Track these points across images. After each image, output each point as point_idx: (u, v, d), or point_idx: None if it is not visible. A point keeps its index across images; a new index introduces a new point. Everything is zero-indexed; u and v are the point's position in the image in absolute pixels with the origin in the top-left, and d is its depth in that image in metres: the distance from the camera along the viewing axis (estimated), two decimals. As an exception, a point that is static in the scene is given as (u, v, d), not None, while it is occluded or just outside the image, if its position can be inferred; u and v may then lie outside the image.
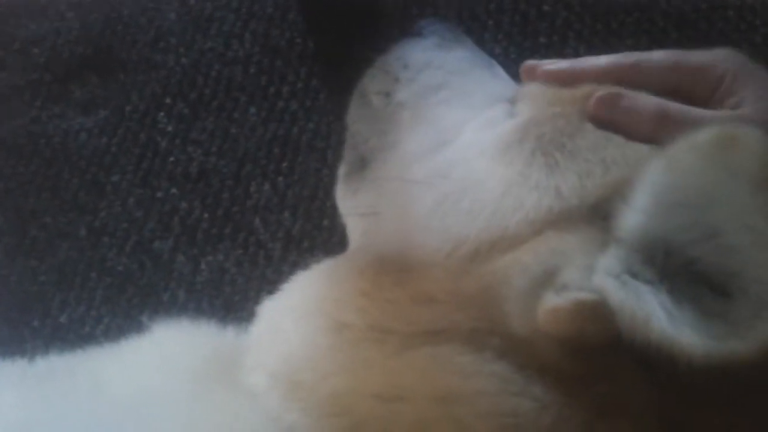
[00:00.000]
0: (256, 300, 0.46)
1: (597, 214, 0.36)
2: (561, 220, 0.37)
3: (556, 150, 0.40)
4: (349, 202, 0.51)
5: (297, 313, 0.41)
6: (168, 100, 0.72)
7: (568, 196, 0.38)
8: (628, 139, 0.41)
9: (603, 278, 0.33)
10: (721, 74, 0.46)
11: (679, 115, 0.43)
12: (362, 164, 0.50)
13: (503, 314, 0.35)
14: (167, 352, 0.45)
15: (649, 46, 0.69)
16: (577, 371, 0.33)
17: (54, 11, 0.78)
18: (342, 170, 0.53)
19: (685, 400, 0.32)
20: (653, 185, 0.32)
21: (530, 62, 0.51)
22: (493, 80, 0.54)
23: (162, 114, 0.71)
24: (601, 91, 0.44)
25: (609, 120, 0.43)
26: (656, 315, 0.30)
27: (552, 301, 0.34)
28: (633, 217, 0.33)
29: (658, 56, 0.48)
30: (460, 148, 0.44)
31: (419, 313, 0.37)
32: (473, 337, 0.35)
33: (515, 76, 0.58)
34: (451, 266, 0.38)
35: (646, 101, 0.44)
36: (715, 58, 0.47)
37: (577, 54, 0.69)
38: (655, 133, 0.40)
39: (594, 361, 0.33)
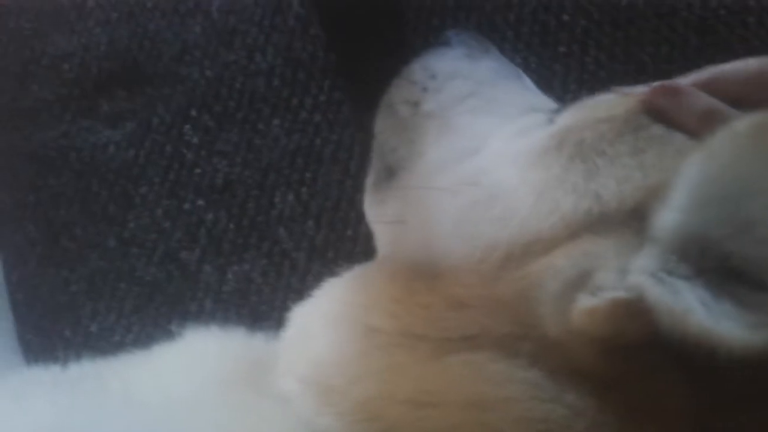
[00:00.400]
0: (282, 309, 0.47)
1: (634, 218, 0.36)
2: (597, 223, 0.37)
3: (597, 155, 0.40)
4: (377, 211, 0.51)
5: (327, 319, 0.42)
6: (193, 113, 0.73)
7: (607, 200, 0.38)
8: (676, 130, 0.41)
9: (639, 276, 0.33)
10: None
11: (726, 113, 0.43)
12: (389, 174, 0.51)
13: (536, 318, 0.35)
14: (197, 358, 0.45)
15: (669, 54, 0.69)
16: (612, 373, 0.33)
17: (82, 27, 0.80)
18: (369, 180, 0.54)
19: (721, 402, 0.32)
20: (690, 179, 0.32)
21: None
22: (523, 90, 0.54)
23: (188, 126, 0.73)
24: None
25: (660, 108, 0.42)
26: (694, 309, 0.30)
27: (587, 301, 0.34)
28: (669, 215, 0.33)
29: (735, 67, 0.46)
30: (489, 156, 0.45)
31: (451, 319, 0.37)
32: (505, 343, 0.35)
33: (537, 87, 0.59)
34: (483, 271, 0.38)
35: (700, 97, 0.43)
36: None
37: (597, 62, 0.69)
38: (700, 128, 0.40)
39: (630, 362, 0.33)
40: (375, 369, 0.37)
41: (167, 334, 0.51)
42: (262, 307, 0.63)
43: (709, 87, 0.45)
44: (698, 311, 0.30)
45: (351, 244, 0.63)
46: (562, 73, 0.68)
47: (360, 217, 0.56)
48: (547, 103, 0.52)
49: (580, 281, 0.35)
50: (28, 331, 0.64)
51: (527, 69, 0.69)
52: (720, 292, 0.31)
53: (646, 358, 0.33)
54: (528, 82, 0.56)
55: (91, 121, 0.75)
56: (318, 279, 0.48)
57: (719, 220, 0.31)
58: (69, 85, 0.77)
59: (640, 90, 0.45)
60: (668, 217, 0.33)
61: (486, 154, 0.45)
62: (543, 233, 0.38)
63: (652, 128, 0.41)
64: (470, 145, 0.46)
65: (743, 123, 0.31)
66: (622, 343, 0.33)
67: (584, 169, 0.40)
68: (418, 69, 0.55)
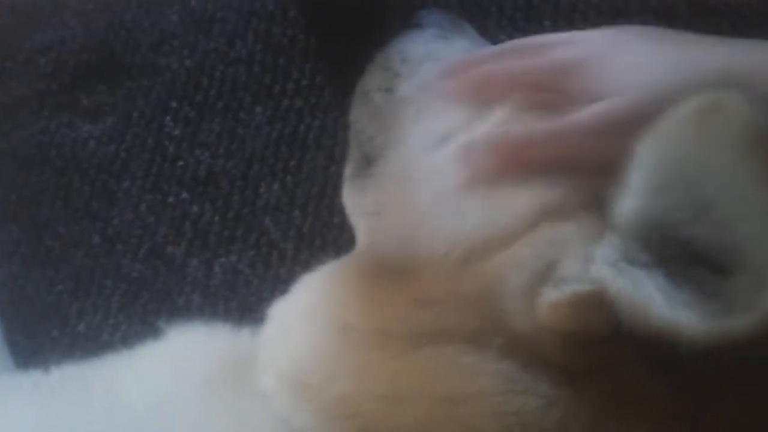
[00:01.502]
0: (271, 300, 0.47)
1: (595, 203, 0.36)
2: (556, 211, 0.37)
3: None
4: (355, 202, 0.51)
5: (304, 315, 0.42)
6: (174, 104, 0.72)
7: (562, 187, 0.37)
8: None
9: (600, 268, 0.32)
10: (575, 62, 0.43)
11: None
12: (367, 163, 0.50)
13: (504, 312, 0.35)
14: (181, 356, 0.45)
15: (657, 23, 0.68)
16: (581, 365, 0.33)
17: (58, 20, 0.78)
18: (348, 170, 0.53)
19: (698, 392, 0.32)
20: (643, 164, 0.31)
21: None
22: None
23: (168, 118, 0.71)
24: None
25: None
26: (654, 300, 0.30)
27: (551, 295, 0.34)
28: (627, 200, 0.32)
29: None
30: (456, 143, 0.44)
31: (419, 315, 0.37)
32: (475, 337, 0.35)
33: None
34: (448, 267, 0.38)
35: (479, 69, 0.45)
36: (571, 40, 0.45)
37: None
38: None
39: (597, 355, 0.33)
40: (350, 366, 0.37)
41: (155, 331, 0.51)
42: (251, 299, 0.62)
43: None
44: (658, 301, 0.30)
45: (338, 232, 0.63)
46: (548, 49, 0.67)
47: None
48: None
49: (545, 272, 0.35)
50: (15, 332, 0.63)
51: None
52: (681, 280, 0.30)
53: (614, 351, 0.32)
54: None
55: (70, 116, 0.74)
56: (306, 269, 0.48)
57: (676, 204, 0.31)
58: (46, 80, 0.76)
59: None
60: (625, 203, 0.32)
61: (454, 144, 0.44)
62: (501, 226, 0.37)
63: None
64: (443, 130, 0.45)
65: (691, 103, 0.31)
66: (588, 335, 0.32)
67: None
68: (390, 54, 0.54)
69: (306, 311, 0.42)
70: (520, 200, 0.38)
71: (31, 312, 0.65)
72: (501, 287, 0.35)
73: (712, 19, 0.66)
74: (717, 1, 0.67)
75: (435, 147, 0.44)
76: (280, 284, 0.61)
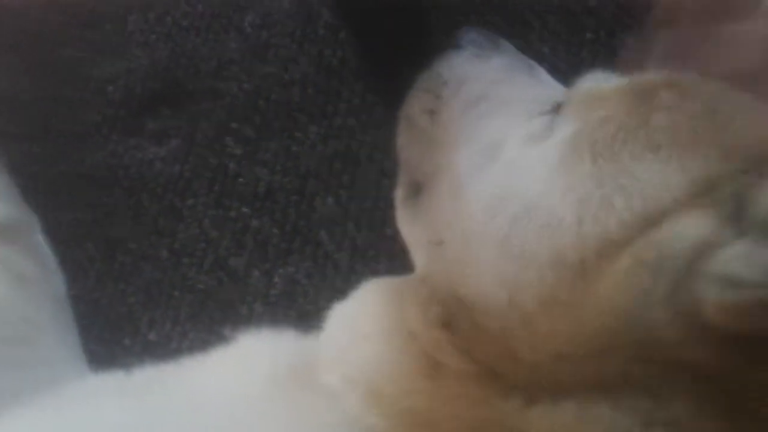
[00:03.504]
0: (328, 309, 0.48)
1: (710, 195, 0.35)
2: (664, 211, 0.35)
3: (619, 150, 0.38)
4: (409, 229, 0.50)
5: (376, 325, 0.42)
6: (234, 125, 0.76)
7: (658, 186, 0.36)
8: None
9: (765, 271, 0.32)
10: None
11: None
12: (417, 189, 0.49)
13: (647, 322, 0.33)
14: (251, 359, 0.47)
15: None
16: (734, 365, 0.33)
17: (124, 51, 0.83)
18: (398, 194, 0.52)
19: None
20: None
21: None
22: (535, 84, 0.52)
23: (229, 138, 0.75)
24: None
25: None
26: None
27: (723, 296, 0.32)
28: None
29: None
30: (507, 165, 0.43)
31: (533, 365, 0.35)
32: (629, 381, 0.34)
33: (565, 74, 0.59)
34: (555, 289, 0.36)
35: None
36: None
37: (625, 47, 0.69)
38: None
39: (748, 353, 0.32)
40: (431, 391, 0.37)
41: (221, 339, 0.53)
42: (308, 308, 0.65)
43: None
44: None
45: (391, 243, 0.64)
46: (590, 60, 0.69)
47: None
48: (560, 94, 0.51)
49: (692, 272, 0.33)
50: (91, 342, 0.67)
51: (556, 58, 0.70)
52: None
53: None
54: (541, 73, 0.54)
55: (137, 140, 0.78)
56: (360, 279, 0.49)
57: None
58: (115, 107, 0.81)
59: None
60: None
61: (504, 163, 0.43)
62: (611, 233, 0.36)
63: (659, 120, 0.39)
64: (488, 153, 0.44)
65: None
66: (754, 339, 0.32)
67: (614, 162, 0.38)
68: (431, 76, 0.54)
69: (377, 321, 0.42)
70: (621, 205, 0.36)
71: (105, 323, 0.69)
72: (635, 294, 0.33)
73: None
74: None
75: (483, 170, 0.43)
76: (336, 294, 0.64)
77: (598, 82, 0.45)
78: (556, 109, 0.45)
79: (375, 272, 0.51)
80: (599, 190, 0.37)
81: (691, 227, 0.34)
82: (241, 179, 0.72)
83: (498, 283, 0.38)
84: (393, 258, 0.63)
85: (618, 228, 0.36)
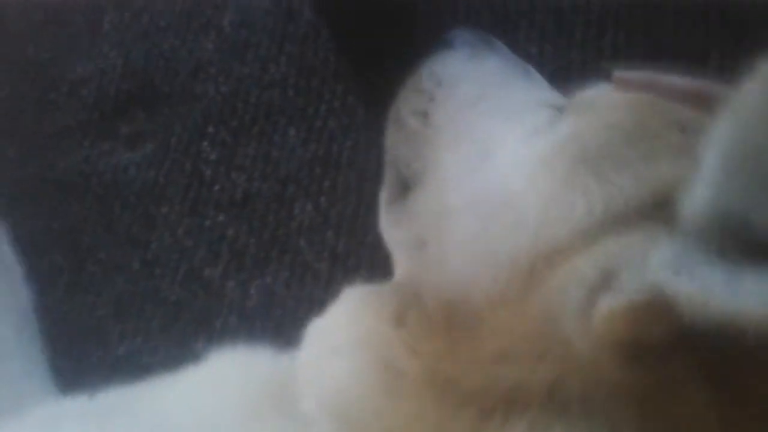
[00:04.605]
0: (307, 320, 0.46)
1: (655, 213, 0.34)
2: (617, 223, 0.35)
3: (604, 159, 0.38)
4: (393, 231, 0.49)
5: (345, 343, 0.40)
6: (210, 129, 0.73)
7: (622, 199, 0.36)
8: None
9: (657, 273, 0.31)
10: None
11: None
12: (404, 189, 0.48)
13: (565, 336, 0.33)
14: (223, 380, 0.45)
15: (690, 34, 0.67)
16: (640, 384, 0.32)
17: (98, 52, 0.81)
18: (383, 196, 0.51)
19: (741, 397, 0.30)
20: (720, 143, 0.30)
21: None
22: (530, 87, 0.52)
23: (205, 143, 0.73)
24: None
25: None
26: (715, 292, 0.29)
27: (607, 304, 0.32)
28: (699, 191, 0.31)
29: (673, 80, 0.44)
30: (499, 165, 0.43)
31: (491, 370, 0.35)
32: (553, 395, 0.33)
33: (553, 75, 0.57)
34: (509, 296, 0.36)
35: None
36: None
37: (615, 47, 0.67)
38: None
39: (657, 369, 0.32)
40: (400, 410, 0.36)
41: (194, 354, 0.51)
42: (286, 320, 0.63)
43: (646, 89, 0.44)
44: (720, 293, 0.29)
45: (372, 251, 0.62)
46: (579, 61, 0.66)
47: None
48: (555, 97, 0.51)
49: (604, 284, 0.33)
50: (58, 357, 0.64)
51: (543, 59, 0.68)
52: (742, 270, 0.29)
53: (674, 364, 0.31)
54: (536, 76, 0.54)
55: (111, 144, 0.76)
56: (341, 288, 0.47)
57: (750, 186, 0.29)
58: (88, 110, 0.78)
59: (634, 75, 0.44)
60: (697, 195, 0.31)
61: (496, 163, 0.43)
62: (561, 240, 0.36)
63: (670, 137, 0.39)
64: (482, 153, 0.44)
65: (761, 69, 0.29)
66: (647, 346, 0.31)
67: (592, 172, 0.38)
68: (423, 77, 0.53)
69: (347, 341, 0.40)
70: (580, 212, 0.36)
71: (73, 336, 0.66)
72: (560, 306, 0.33)
73: None
74: None
75: (476, 171, 0.43)
76: (315, 304, 0.62)
77: (600, 92, 0.46)
78: (556, 112, 0.45)
79: (355, 281, 0.48)
80: (568, 195, 0.37)
81: (622, 247, 0.34)
82: (217, 185, 0.70)
83: (464, 281, 0.38)
84: (374, 267, 0.61)
85: (569, 235, 0.36)
